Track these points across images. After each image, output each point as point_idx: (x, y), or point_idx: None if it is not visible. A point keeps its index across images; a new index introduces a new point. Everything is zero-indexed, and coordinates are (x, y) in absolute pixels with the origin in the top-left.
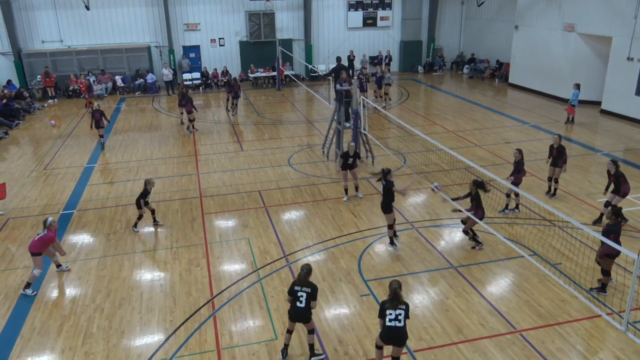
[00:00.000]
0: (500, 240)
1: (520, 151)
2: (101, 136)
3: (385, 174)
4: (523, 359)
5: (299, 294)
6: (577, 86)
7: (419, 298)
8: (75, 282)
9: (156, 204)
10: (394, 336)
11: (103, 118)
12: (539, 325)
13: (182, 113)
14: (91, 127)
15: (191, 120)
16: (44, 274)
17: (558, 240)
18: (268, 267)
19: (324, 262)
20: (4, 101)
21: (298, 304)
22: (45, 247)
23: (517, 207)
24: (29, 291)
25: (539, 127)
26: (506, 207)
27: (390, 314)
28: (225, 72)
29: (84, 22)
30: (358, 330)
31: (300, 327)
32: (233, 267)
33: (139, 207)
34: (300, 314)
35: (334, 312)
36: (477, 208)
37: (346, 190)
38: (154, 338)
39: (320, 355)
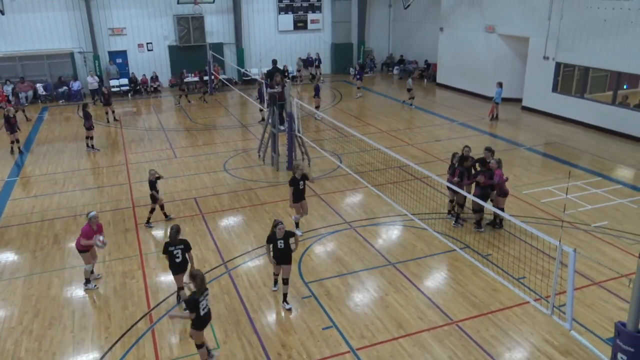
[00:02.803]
0: (434, 235)
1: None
2: (17, 140)
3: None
4: (460, 348)
5: (175, 251)
6: (500, 84)
7: (359, 296)
8: None
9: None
10: (208, 319)
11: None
12: (473, 315)
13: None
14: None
15: (89, 137)
16: None
17: (487, 232)
18: (207, 275)
19: (264, 266)
20: None
21: (177, 260)
22: (86, 241)
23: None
24: (90, 285)
25: (466, 124)
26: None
27: (203, 304)
28: (155, 78)
29: None
30: (301, 332)
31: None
32: (170, 277)
33: (153, 200)
34: (183, 266)
35: (276, 316)
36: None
37: (297, 225)
38: (88, 357)
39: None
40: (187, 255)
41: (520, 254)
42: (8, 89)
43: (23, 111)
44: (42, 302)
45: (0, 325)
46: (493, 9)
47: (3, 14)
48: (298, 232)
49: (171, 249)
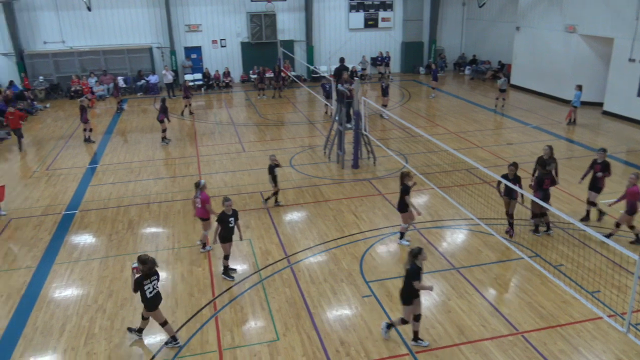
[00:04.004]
0: (501, 242)
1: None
2: (90, 130)
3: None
4: None
5: (230, 222)
6: (579, 87)
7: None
8: (77, 282)
9: (158, 205)
10: (157, 302)
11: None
12: (540, 327)
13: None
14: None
15: (163, 130)
16: (46, 273)
17: (560, 241)
18: (270, 268)
19: (325, 263)
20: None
21: (229, 226)
22: (207, 209)
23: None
24: (207, 248)
25: (541, 128)
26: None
27: (148, 287)
28: (227, 74)
29: (86, 23)
30: (360, 331)
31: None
32: (235, 267)
33: (275, 183)
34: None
35: (335, 313)
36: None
37: (402, 235)
38: (155, 338)
39: None
40: (237, 224)
41: (595, 267)
42: (92, 81)
43: (120, 102)
44: (115, 284)
45: (78, 302)
46: (574, 8)
47: (90, 9)
48: (405, 242)
49: (230, 219)
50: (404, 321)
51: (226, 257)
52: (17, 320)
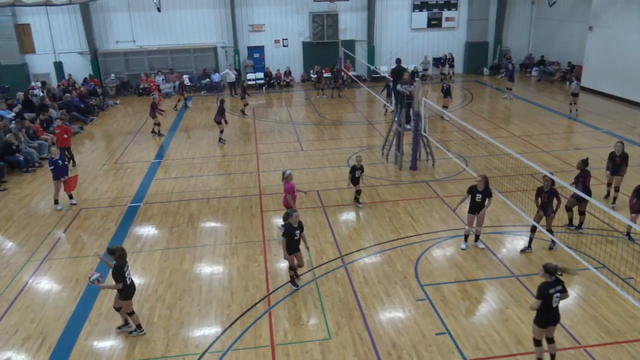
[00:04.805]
0: (565, 250)
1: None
2: (158, 124)
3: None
4: None
5: (295, 235)
6: None
7: (477, 306)
8: (139, 272)
9: (217, 200)
10: (134, 289)
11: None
12: (605, 342)
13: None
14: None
15: (220, 131)
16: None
17: (630, 252)
18: (324, 266)
19: (379, 264)
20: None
21: (294, 238)
22: (291, 198)
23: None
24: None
25: (612, 133)
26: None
27: (127, 274)
28: (288, 73)
29: (155, 23)
30: (413, 334)
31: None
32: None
33: (354, 183)
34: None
35: (388, 315)
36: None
37: (466, 238)
38: (211, 330)
39: None
40: (302, 235)
41: None
42: (159, 79)
43: (185, 99)
44: (175, 275)
45: (139, 291)
46: None
47: (160, 10)
48: (463, 246)
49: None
50: (552, 340)
51: (291, 268)
52: (83, 305)
